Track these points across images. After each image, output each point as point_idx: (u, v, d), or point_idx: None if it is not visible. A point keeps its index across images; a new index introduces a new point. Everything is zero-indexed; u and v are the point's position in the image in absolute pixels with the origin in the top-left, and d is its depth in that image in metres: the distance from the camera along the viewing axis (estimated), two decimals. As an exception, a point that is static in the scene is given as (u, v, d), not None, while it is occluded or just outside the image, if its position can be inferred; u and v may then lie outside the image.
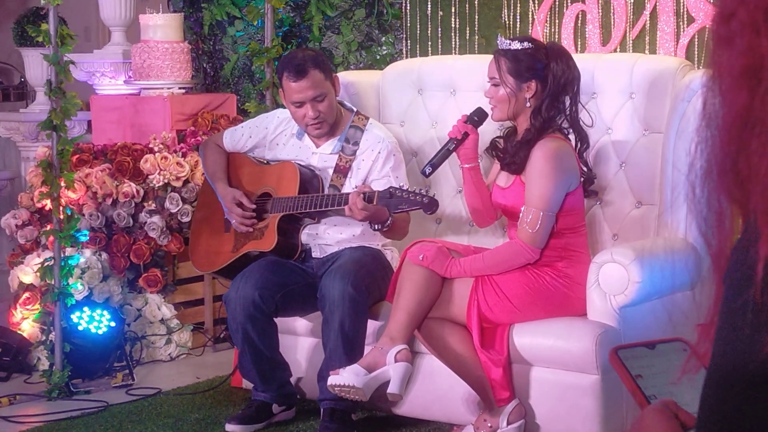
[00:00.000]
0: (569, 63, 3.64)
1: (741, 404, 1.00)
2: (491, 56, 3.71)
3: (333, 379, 3.55)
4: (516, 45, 3.63)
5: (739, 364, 1.00)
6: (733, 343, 1.00)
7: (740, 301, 0.99)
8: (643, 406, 1.21)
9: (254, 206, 4.11)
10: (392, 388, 3.54)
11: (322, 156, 4.09)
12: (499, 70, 3.64)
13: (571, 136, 3.69)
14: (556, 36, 4.75)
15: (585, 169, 3.72)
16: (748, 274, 0.99)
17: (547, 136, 3.59)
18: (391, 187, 3.74)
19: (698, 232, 1.04)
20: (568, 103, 3.65)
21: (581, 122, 3.69)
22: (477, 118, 3.75)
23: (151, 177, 4.97)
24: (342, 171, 4.03)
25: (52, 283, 4.45)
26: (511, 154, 3.64)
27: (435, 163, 3.74)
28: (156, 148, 5.05)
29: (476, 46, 5.01)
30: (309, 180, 4.04)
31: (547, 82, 3.61)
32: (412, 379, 3.73)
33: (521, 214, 3.56)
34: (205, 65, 6.25)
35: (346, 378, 3.51)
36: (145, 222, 4.95)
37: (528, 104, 3.63)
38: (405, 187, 3.73)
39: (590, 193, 3.78)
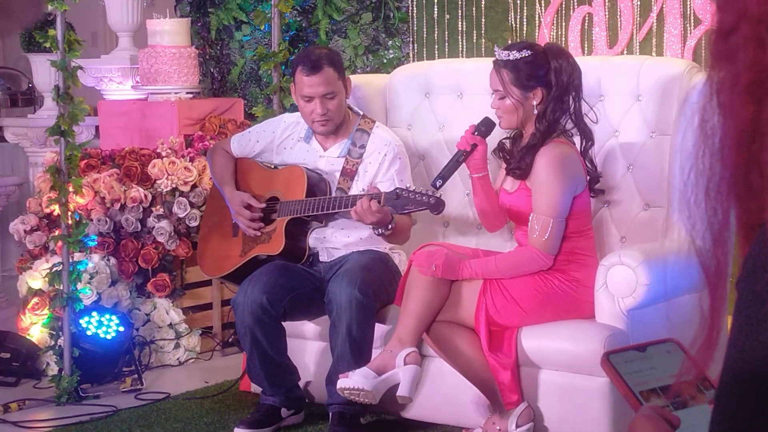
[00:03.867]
0: (569, 60, 3.63)
1: (762, 419, 0.98)
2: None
3: (342, 383, 3.55)
4: (515, 54, 3.61)
5: (762, 376, 0.97)
6: (753, 355, 0.98)
7: (761, 313, 0.97)
8: (637, 409, 1.21)
9: (263, 206, 4.12)
10: (402, 391, 3.54)
11: (329, 159, 4.09)
12: (503, 82, 3.62)
13: (576, 138, 3.68)
14: (563, 38, 4.74)
15: (590, 167, 3.71)
16: None
17: (551, 141, 3.58)
18: (397, 188, 3.74)
19: (693, 247, 1.02)
20: (571, 102, 3.64)
21: (586, 118, 3.68)
22: (485, 128, 3.73)
23: (159, 182, 4.98)
24: (349, 174, 4.04)
25: (61, 288, 4.45)
26: (517, 159, 3.64)
27: (445, 176, 3.72)
28: (164, 153, 5.06)
29: (483, 49, 5.01)
30: (316, 183, 4.05)
31: (551, 86, 3.60)
32: (421, 382, 3.73)
33: (530, 223, 3.55)
34: (212, 70, 6.26)
35: (356, 381, 3.51)
36: (153, 227, 4.95)
37: (535, 111, 3.62)
38: (411, 188, 3.74)
39: (597, 192, 3.77)
